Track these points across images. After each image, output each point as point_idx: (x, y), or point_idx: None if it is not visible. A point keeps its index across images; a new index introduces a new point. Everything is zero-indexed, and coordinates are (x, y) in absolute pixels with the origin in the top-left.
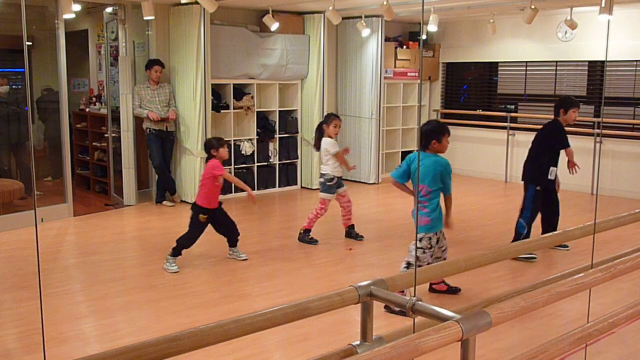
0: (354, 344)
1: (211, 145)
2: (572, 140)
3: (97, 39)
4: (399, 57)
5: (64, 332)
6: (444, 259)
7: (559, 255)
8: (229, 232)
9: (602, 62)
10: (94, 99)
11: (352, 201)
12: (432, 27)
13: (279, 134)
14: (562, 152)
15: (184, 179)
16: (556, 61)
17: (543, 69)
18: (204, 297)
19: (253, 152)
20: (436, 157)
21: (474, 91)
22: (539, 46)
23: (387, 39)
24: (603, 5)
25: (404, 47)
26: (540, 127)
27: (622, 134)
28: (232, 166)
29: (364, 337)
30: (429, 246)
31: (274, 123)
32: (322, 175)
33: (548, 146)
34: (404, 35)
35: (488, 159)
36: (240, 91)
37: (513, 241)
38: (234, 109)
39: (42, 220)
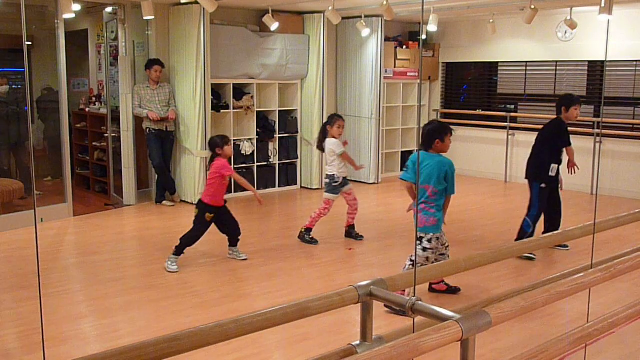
0: (353, 343)
1: (216, 144)
2: (572, 140)
3: (97, 38)
4: (398, 57)
5: (63, 332)
6: (448, 256)
7: (559, 255)
8: (232, 231)
9: (602, 62)
10: (93, 98)
11: None
12: (432, 27)
13: (279, 133)
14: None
15: (183, 178)
16: (556, 61)
17: (543, 69)
18: (204, 297)
19: (253, 152)
20: (440, 157)
21: (473, 91)
22: (539, 46)
23: (387, 39)
24: (603, 5)
25: (404, 47)
26: (541, 126)
27: (622, 134)
28: (232, 166)
29: (363, 337)
30: (437, 246)
31: (274, 123)
32: (327, 176)
33: (550, 144)
34: (404, 35)
35: (488, 159)
36: (240, 91)
37: (517, 238)
38: (233, 108)
39: (42, 220)
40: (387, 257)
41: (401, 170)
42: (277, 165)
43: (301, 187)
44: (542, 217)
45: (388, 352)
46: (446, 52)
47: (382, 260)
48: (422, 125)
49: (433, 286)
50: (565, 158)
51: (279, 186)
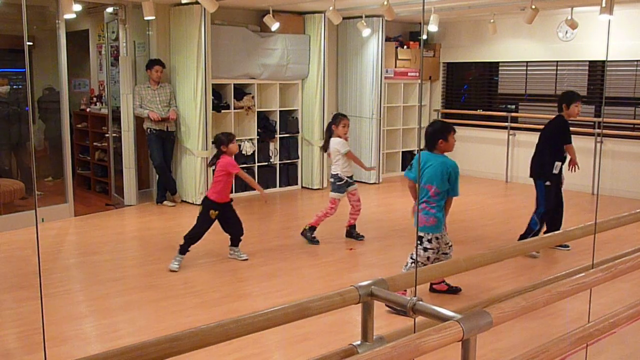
0: (354, 344)
1: (221, 142)
2: (573, 139)
3: (98, 39)
4: (399, 57)
5: (64, 332)
6: (451, 255)
7: (560, 255)
8: (235, 230)
9: (603, 62)
10: (94, 99)
11: None
12: (432, 27)
13: (280, 134)
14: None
15: (184, 179)
16: (557, 61)
17: (544, 69)
18: (205, 297)
19: (254, 152)
20: (444, 158)
21: (474, 91)
22: (540, 46)
23: (387, 39)
24: (604, 5)
25: (405, 47)
26: (542, 126)
27: (623, 134)
28: None
29: (364, 337)
30: (439, 246)
31: (275, 123)
32: (331, 175)
33: (552, 142)
34: (405, 35)
35: (488, 159)
36: (240, 91)
37: (523, 235)
38: (234, 109)
39: (42, 220)
40: (388, 257)
41: (402, 170)
42: (277, 166)
43: (302, 187)
44: None
45: (389, 352)
46: (447, 52)
47: (383, 260)
48: (422, 125)
49: (434, 286)
50: (568, 156)
51: (279, 186)
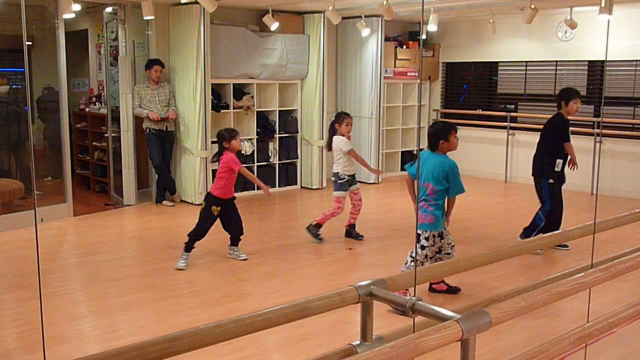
0: (354, 343)
1: (223, 138)
2: (572, 139)
3: (97, 38)
4: (398, 57)
5: (64, 332)
6: (453, 255)
7: (559, 255)
8: (235, 228)
9: (602, 61)
10: (93, 98)
11: None
12: (432, 27)
13: (279, 133)
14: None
15: (183, 178)
16: (556, 61)
17: (543, 69)
18: (204, 297)
19: (253, 151)
20: (442, 157)
21: (474, 91)
22: (539, 46)
23: (387, 39)
24: (603, 5)
25: (404, 46)
26: (541, 126)
27: (622, 134)
28: None
29: (364, 337)
30: (437, 244)
31: (274, 123)
32: (333, 174)
33: (551, 140)
34: (404, 35)
35: (488, 159)
36: (240, 91)
37: (527, 228)
38: (233, 108)
39: (42, 220)
40: (387, 257)
41: (401, 170)
42: (277, 165)
43: (301, 187)
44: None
45: (388, 352)
46: (446, 52)
47: (382, 260)
48: (422, 125)
49: (433, 286)
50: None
51: (279, 186)
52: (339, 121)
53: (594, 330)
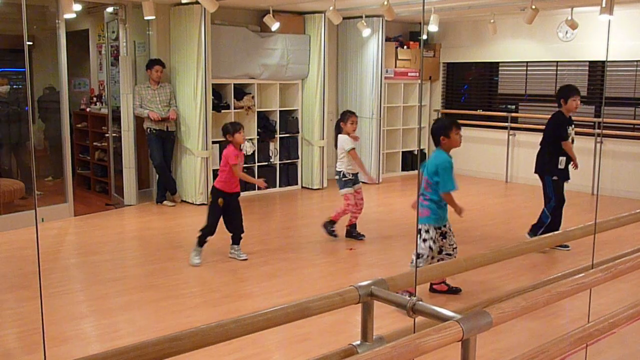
0: (354, 343)
1: (227, 130)
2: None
3: (98, 38)
4: (399, 57)
5: (64, 332)
6: (454, 256)
7: (560, 255)
8: (234, 226)
9: (603, 62)
10: (94, 98)
11: None
12: (432, 27)
13: (280, 133)
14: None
15: (184, 178)
16: (557, 61)
17: (544, 69)
18: (205, 297)
19: (254, 152)
20: (439, 152)
21: (474, 91)
22: (540, 46)
23: (387, 39)
24: (604, 5)
25: (405, 47)
26: (542, 126)
27: (623, 134)
28: None
29: (364, 337)
30: (434, 237)
31: (275, 123)
32: (336, 172)
33: (551, 138)
34: (405, 35)
35: (489, 159)
36: (240, 91)
37: (535, 225)
38: (234, 108)
39: (42, 220)
40: (388, 257)
41: (402, 170)
42: (277, 166)
43: (302, 187)
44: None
45: (389, 352)
46: (447, 52)
47: (383, 260)
48: (422, 126)
49: (434, 286)
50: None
51: (279, 186)
52: (344, 120)
53: (595, 330)
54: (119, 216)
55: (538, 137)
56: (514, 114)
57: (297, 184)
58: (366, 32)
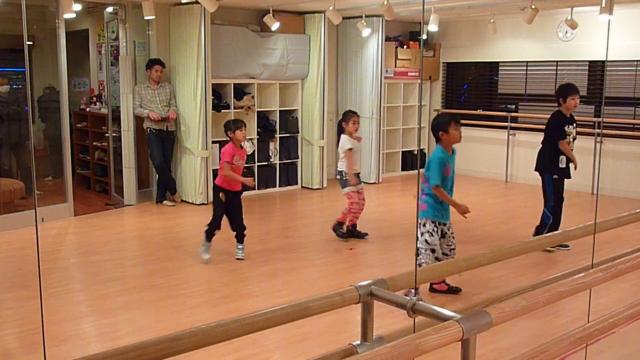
0: (354, 343)
1: (228, 127)
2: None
3: (98, 38)
4: (399, 57)
5: (64, 332)
6: (452, 257)
7: (560, 255)
8: (236, 224)
9: (603, 62)
10: (94, 98)
11: None
12: (432, 27)
13: (280, 133)
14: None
15: (184, 178)
16: (557, 61)
17: (544, 69)
18: (205, 297)
19: (254, 151)
20: (436, 148)
21: (474, 91)
22: (540, 46)
23: (387, 39)
24: (603, 5)
25: (405, 46)
26: (542, 126)
27: (623, 134)
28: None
29: (364, 337)
30: (431, 231)
31: (275, 123)
32: (338, 172)
33: (549, 137)
34: (405, 35)
35: (488, 159)
36: (240, 91)
37: (538, 227)
38: (234, 108)
39: (42, 220)
40: (388, 257)
41: (402, 170)
42: (277, 165)
43: (302, 187)
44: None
45: (389, 352)
46: (447, 52)
47: (383, 260)
48: (422, 125)
49: (434, 286)
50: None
51: (279, 186)
52: (346, 119)
53: (595, 330)
54: (119, 216)
55: (538, 137)
56: (513, 114)
57: (297, 183)
58: (366, 32)
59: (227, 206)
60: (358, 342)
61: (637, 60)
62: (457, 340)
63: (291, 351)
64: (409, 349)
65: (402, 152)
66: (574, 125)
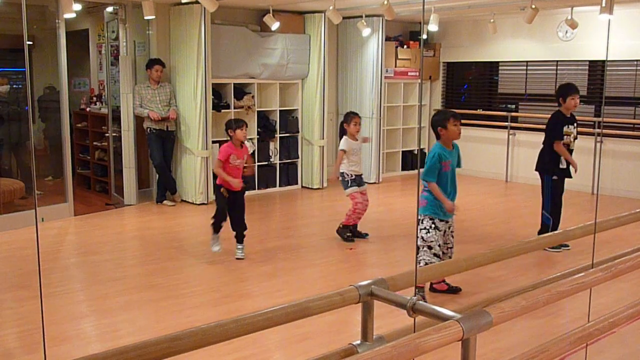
0: (354, 343)
1: (229, 126)
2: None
3: (98, 38)
4: (399, 57)
5: (64, 332)
6: (449, 257)
7: (560, 255)
8: (236, 223)
9: (603, 61)
10: (94, 98)
11: None
12: (432, 27)
13: (280, 133)
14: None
15: (184, 178)
16: (557, 61)
17: (544, 69)
18: (205, 297)
19: (254, 151)
20: (435, 143)
21: (474, 91)
22: (540, 46)
23: (387, 39)
24: (603, 4)
25: (405, 46)
26: (542, 126)
27: (623, 134)
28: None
29: (364, 336)
30: (428, 227)
31: (275, 122)
32: (339, 174)
33: (548, 137)
34: (405, 34)
35: (489, 159)
36: (240, 91)
37: (540, 231)
38: (234, 108)
39: (42, 220)
40: (388, 257)
41: (402, 170)
42: (277, 165)
43: (302, 186)
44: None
45: (389, 352)
46: (447, 51)
47: (383, 259)
48: (422, 125)
49: (434, 285)
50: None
51: (279, 186)
52: (347, 121)
53: (595, 330)
54: (119, 216)
55: (538, 137)
56: (514, 114)
57: (297, 183)
58: (366, 31)
59: (229, 204)
60: (358, 341)
61: (637, 60)
62: (457, 340)
63: (291, 351)
64: (409, 348)
65: (402, 151)
66: (575, 125)
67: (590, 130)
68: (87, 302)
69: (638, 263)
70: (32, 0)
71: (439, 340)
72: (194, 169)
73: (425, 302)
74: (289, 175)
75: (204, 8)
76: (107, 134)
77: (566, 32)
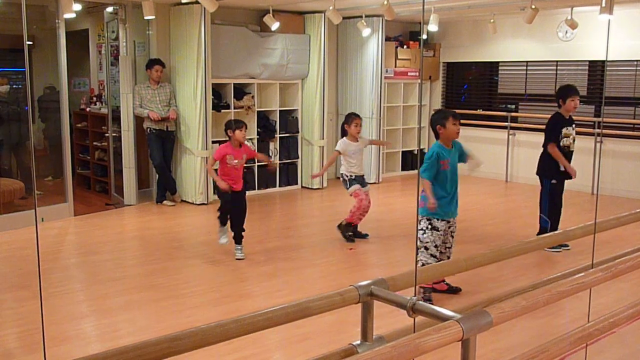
0: (354, 343)
1: (228, 126)
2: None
3: (98, 38)
4: (399, 57)
5: (64, 332)
6: (448, 256)
7: (560, 255)
8: (235, 224)
9: (603, 61)
10: (94, 98)
11: None
12: (432, 27)
13: (280, 133)
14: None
15: (184, 178)
16: (557, 61)
17: (544, 69)
18: (205, 297)
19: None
20: (434, 142)
21: (474, 91)
22: (540, 46)
23: (387, 39)
24: (603, 5)
25: (405, 46)
26: (542, 126)
27: (623, 134)
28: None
29: (364, 336)
30: (425, 228)
31: (275, 123)
32: (340, 175)
33: (546, 139)
34: (405, 34)
35: (488, 159)
36: (240, 91)
37: (539, 234)
38: (234, 108)
39: (42, 220)
40: (388, 257)
41: (402, 170)
42: (277, 165)
43: (302, 187)
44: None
45: (389, 352)
46: (447, 51)
47: (383, 260)
48: (422, 125)
49: (434, 285)
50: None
51: (279, 186)
52: (348, 122)
53: (595, 330)
54: (119, 216)
55: (538, 137)
56: (513, 114)
57: (297, 183)
58: (366, 31)
59: (232, 204)
60: (358, 342)
61: (637, 60)
62: (457, 340)
63: (291, 351)
64: (409, 348)
65: (402, 152)
66: (573, 126)
67: (590, 130)
68: (87, 302)
69: (638, 263)
70: (32, 0)
71: (438, 341)
72: (194, 169)
73: (431, 302)
74: (289, 175)
75: (204, 8)
76: (107, 134)
77: (566, 32)
